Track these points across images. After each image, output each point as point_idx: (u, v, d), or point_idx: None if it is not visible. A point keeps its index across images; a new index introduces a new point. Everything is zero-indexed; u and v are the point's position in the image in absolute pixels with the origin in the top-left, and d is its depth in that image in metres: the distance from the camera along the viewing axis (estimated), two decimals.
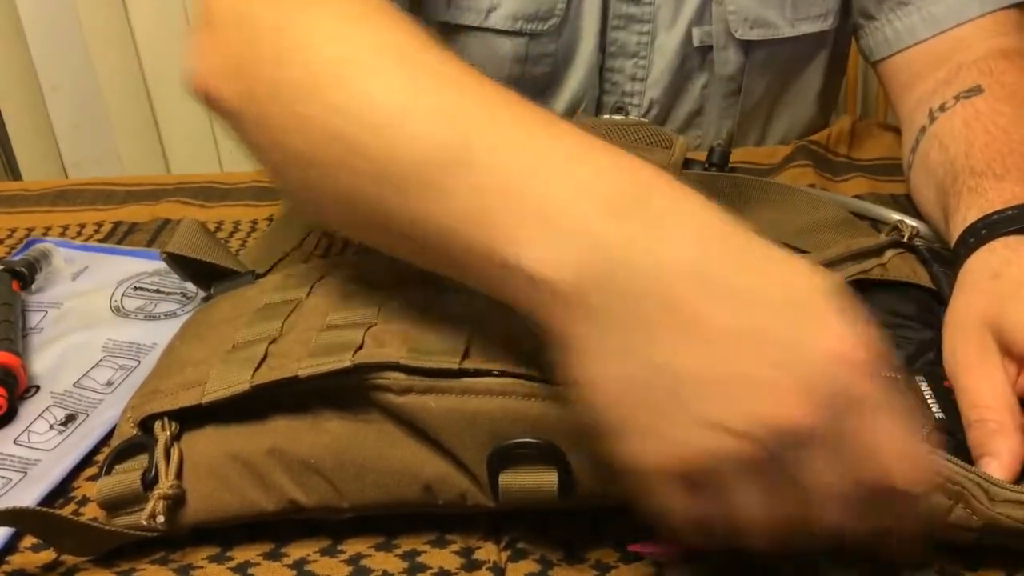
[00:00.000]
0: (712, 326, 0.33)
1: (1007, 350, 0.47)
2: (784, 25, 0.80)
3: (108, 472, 0.45)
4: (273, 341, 0.46)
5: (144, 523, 0.44)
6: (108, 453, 0.46)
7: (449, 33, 0.81)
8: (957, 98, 0.65)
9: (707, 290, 0.34)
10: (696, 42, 0.81)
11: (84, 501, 0.48)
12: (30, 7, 1.61)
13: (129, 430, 0.46)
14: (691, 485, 0.35)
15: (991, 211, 0.54)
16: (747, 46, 0.81)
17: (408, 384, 0.42)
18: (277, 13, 0.45)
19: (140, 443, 0.45)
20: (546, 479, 0.41)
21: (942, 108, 0.66)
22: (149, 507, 0.43)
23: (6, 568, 0.45)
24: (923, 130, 0.67)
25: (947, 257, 0.56)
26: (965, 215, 0.56)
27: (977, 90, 0.64)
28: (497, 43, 0.77)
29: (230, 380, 0.44)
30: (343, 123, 0.41)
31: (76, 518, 0.44)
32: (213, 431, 0.45)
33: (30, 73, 1.66)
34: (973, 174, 0.58)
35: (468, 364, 0.42)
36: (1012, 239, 0.52)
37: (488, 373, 0.42)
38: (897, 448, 0.35)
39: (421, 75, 0.41)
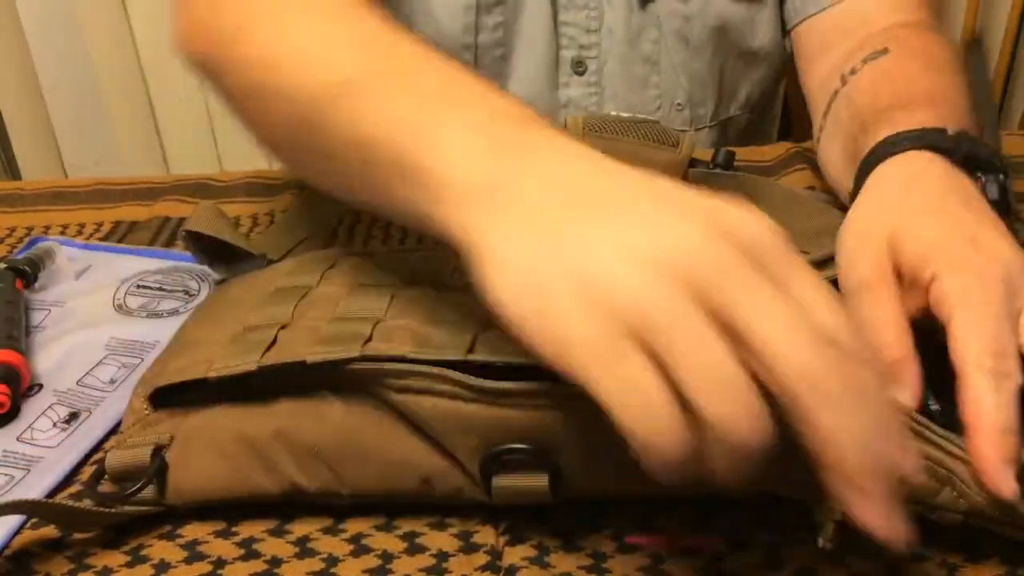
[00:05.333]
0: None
1: (897, 266, 0.46)
2: None
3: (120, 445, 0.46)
4: (283, 327, 0.47)
5: (149, 496, 0.45)
6: (122, 429, 0.47)
7: None
8: (865, 60, 0.66)
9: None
10: None
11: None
12: (30, 7, 1.61)
13: (140, 405, 0.47)
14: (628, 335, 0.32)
15: (900, 130, 0.53)
16: None
17: (405, 384, 0.43)
18: None
19: (152, 419, 0.46)
20: (538, 481, 0.42)
21: (852, 71, 0.67)
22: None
23: (10, 549, 0.45)
24: (835, 93, 0.68)
25: None
26: (874, 142, 0.55)
27: (883, 52, 0.66)
28: None
29: (238, 360, 0.45)
30: (271, 57, 0.49)
31: (77, 504, 0.44)
32: (221, 412, 0.46)
33: (30, 73, 1.66)
34: (880, 111, 0.58)
35: (473, 357, 0.42)
36: (925, 154, 0.51)
37: (492, 365, 0.42)
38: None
39: (338, 23, 0.49)
